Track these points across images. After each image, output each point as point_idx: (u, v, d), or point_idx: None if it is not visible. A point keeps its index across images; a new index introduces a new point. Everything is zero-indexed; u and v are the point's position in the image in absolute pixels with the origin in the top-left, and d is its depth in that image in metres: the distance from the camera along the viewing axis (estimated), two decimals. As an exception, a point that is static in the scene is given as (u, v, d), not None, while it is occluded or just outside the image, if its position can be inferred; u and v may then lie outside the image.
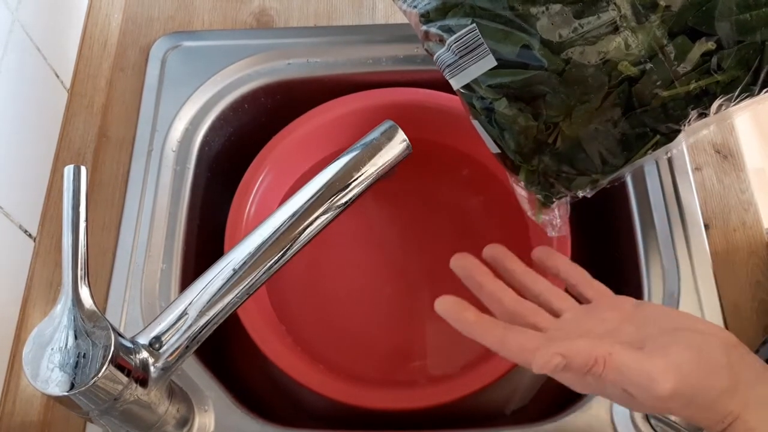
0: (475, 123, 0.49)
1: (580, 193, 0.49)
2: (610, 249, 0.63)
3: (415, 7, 0.47)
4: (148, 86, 0.63)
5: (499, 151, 0.48)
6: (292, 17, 0.67)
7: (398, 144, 0.43)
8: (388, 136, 0.43)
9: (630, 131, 0.46)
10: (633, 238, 0.56)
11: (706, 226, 0.55)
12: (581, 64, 0.43)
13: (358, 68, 0.65)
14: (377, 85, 0.64)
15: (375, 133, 0.43)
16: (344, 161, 0.42)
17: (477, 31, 0.44)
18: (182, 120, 0.62)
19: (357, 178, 0.42)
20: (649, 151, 0.47)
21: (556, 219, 0.51)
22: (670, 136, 0.46)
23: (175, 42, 0.66)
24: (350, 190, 0.42)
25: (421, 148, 0.52)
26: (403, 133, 0.43)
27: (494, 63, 0.44)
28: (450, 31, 0.45)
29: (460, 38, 0.45)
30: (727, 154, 0.59)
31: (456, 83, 0.47)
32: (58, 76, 0.62)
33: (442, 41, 0.46)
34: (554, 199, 0.50)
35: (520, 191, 0.50)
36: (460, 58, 0.45)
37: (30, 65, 0.58)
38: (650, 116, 0.45)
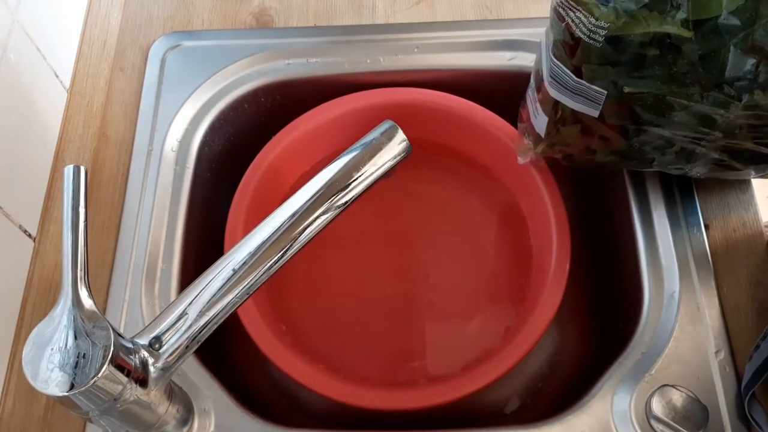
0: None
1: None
2: (610, 249, 0.63)
3: None
4: (148, 86, 0.63)
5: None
6: (292, 17, 0.67)
7: (398, 144, 0.43)
8: (388, 136, 0.43)
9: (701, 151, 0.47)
10: (633, 237, 0.56)
11: (706, 226, 0.55)
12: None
13: (358, 68, 0.65)
14: (377, 85, 0.64)
15: (375, 133, 0.43)
16: (344, 161, 0.42)
17: None
18: (182, 120, 0.62)
19: (357, 178, 0.42)
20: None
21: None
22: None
23: (175, 42, 0.66)
24: (350, 190, 0.42)
25: (421, 148, 0.52)
26: (403, 133, 0.43)
27: None
28: None
29: None
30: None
31: None
32: (57, 76, 0.62)
33: None
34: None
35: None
36: None
37: (30, 65, 0.57)
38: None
